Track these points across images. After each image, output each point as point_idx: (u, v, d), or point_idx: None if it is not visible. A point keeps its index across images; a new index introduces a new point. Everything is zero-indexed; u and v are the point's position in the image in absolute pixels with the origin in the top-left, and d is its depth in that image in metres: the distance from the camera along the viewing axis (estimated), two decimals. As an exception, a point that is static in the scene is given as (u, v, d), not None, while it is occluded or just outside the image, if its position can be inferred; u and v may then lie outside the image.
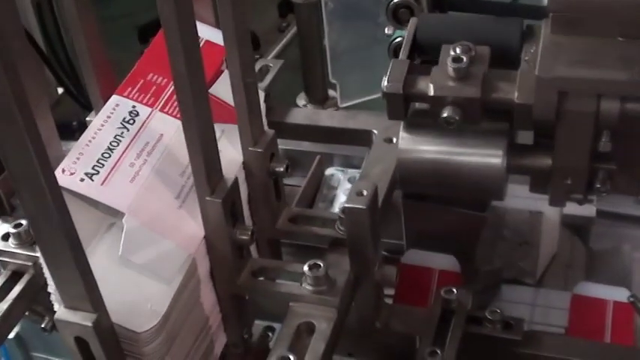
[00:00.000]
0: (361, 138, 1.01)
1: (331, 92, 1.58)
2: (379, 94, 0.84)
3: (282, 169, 0.86)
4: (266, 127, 0.87)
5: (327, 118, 1.05)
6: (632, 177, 0.84)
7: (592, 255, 1.13)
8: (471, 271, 0.98)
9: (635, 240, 1.16)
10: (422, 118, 0.84)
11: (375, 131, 0.99)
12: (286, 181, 0.94)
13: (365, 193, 0.77)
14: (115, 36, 1.68)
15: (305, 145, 1.19)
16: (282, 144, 1.14)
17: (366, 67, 1.52)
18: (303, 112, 1.08)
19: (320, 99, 1.57)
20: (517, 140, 0.88)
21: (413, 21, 0.90)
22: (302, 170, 1.18)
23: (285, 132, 1.02)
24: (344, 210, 0.78)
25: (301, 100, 1.60)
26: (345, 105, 1.49)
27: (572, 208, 0.94)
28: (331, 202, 1.15)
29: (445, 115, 0.80)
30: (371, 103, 1.69)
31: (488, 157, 0.83)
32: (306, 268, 0.76)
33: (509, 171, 0.84)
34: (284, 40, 2.73)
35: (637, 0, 0.77)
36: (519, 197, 1.01)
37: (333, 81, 1.49)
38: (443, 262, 0.96)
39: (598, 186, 0.82)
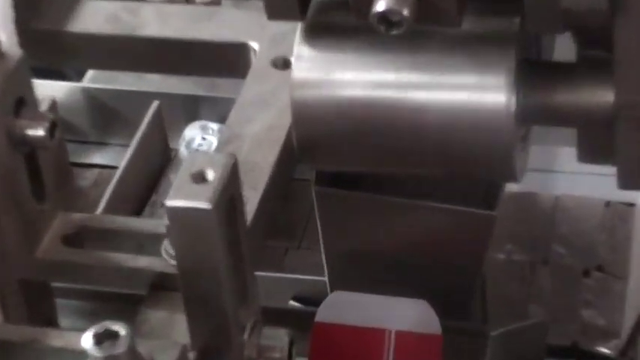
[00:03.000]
0: (229, 60, 0.71)
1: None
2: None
3: (42, 134, 0.55)
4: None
5: (155, 20, 0.71)
6: None
7: None
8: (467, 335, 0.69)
9: None
10: (335, 16, 0.58)
11: (255, 45, 0.70)
12: (95, 157, 0.80)
13: (210, 176, 0.50)
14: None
15: (136, 83, 0.93)
16: (91, 81, 0.96)
17: None
18: (107, 7, 0.72)
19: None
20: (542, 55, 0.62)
21: None
22: (127, 131, 0.92)
23: (71, 52, 0.73)
24: (168, 215, 0.52)
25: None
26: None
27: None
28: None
29: (383, 8, 0.50)
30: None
31: (478, 90, 0.55)
32: (88, 341, 0.50)
33: (527, 119, 0.56)
34: None
35: None
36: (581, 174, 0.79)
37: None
38: (400, 315, 0.68)
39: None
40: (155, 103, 0.91)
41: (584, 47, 0.57)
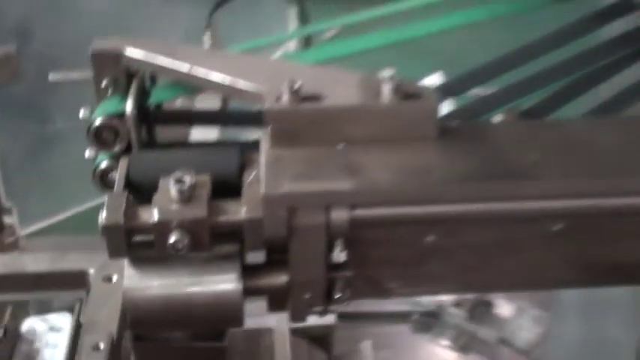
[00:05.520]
0: (76, 281, 1.05)
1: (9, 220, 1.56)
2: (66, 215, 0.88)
3: None
4: None
5: (31, 263, 1.07)
6: (370, 281, 0.98)
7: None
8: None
9: (376, 337, 1.29)
10: (146, 250, 0.91)
11: (91, 271, 1.05)
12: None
13: (102, 345, 0.83)
14: None
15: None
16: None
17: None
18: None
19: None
20: (247, 261, 0.95)
21: (123, 161, 0.98)
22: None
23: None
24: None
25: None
26: (27, 232, 1.49)
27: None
28: (32, 361, 1.09)
29: (173, 240, 0.87)
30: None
31: (222, 283, 0.91)
32: None
33: (246, 294, 0.92)
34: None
35: (352, 106, 0.94)
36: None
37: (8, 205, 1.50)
38: None
39: (338, 295, 0.94)
40: (9, 307, 1.10)
41: (271, 253, 0.91)
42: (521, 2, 1.03)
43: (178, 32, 2.31)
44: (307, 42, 1.32)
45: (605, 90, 1.05)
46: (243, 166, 0.98)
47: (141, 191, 0.96)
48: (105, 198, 0.93)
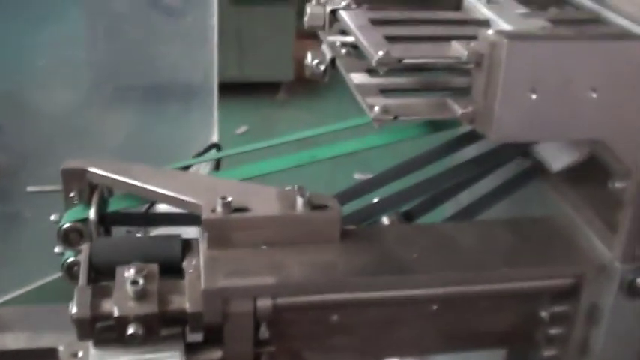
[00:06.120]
0: (48, 356, 1.05)
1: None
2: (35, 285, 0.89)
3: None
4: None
5: (12, 341, 1.08)
6: (289, 352, 1.01)
7: None
8: None
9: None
10: (108, 332, 0.93)
11: (61, 347, 1.03)
12: None
13: None
14: None
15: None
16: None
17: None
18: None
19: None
20: (189, 339, 0.97)
21: (86, 247, 0.99)
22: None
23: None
24: None
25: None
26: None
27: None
28: None
29: (130, 332, 0.90)
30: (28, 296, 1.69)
31: (169, 359, 0.93)
32: None
33: None
34: None
35: (273, 216, 0.98)
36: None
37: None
38: None
39: (263, 367, 0.96)
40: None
41: (207, 332, 0.94)
42: (407, 132, 1.09)
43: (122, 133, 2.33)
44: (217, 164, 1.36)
45: (465, 198, 1.12)
46: (184, 250, 1.00)
47: (101, 271, 0.97)
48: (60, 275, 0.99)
